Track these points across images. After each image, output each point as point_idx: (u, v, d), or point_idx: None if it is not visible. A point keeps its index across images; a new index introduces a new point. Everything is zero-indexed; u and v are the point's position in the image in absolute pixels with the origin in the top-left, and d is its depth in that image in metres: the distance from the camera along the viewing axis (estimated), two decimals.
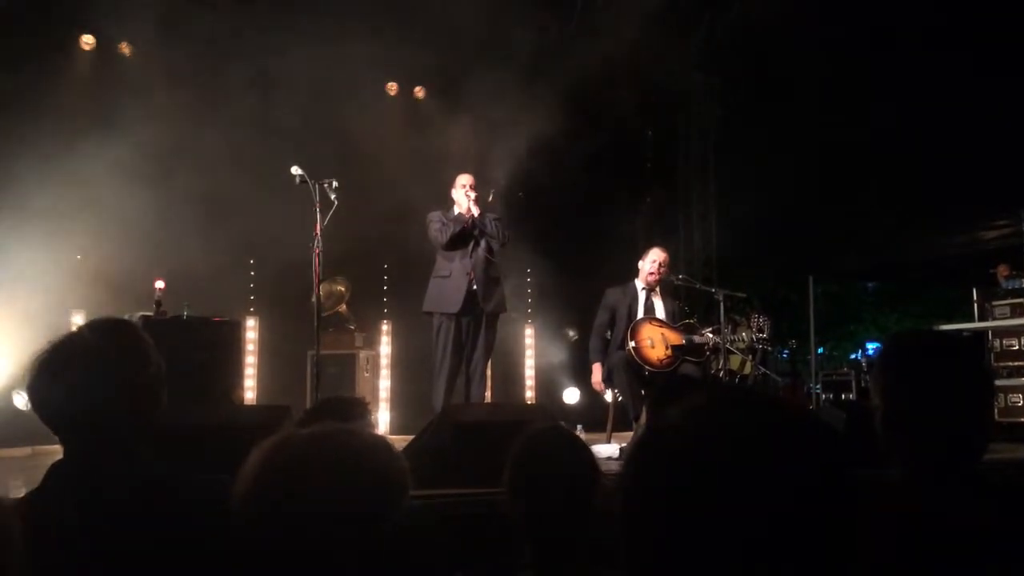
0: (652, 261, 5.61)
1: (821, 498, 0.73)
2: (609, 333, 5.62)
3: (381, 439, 1.32)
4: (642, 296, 5.60)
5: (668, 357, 5.33)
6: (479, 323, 5.48)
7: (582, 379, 7.33)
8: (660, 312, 5.58)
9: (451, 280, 5.42)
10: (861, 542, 0.75)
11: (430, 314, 5.53)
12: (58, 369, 1.43)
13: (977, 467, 1.44)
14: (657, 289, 5.64)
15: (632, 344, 5.28)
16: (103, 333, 1.51)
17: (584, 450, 1.86)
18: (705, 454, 0.73)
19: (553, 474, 1.73)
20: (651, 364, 5.28)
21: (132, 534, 1.35)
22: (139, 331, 1.58)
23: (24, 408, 5.53)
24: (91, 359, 1.45)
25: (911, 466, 1.42)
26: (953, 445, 1.40)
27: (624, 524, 0.77)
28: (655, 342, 5.35)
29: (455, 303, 5.38)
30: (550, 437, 1.83)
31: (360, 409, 2.27)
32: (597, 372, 5.50)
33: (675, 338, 5.41)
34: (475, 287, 5.39)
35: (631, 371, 5.23)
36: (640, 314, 5.52)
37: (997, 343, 7.25)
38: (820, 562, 0.72)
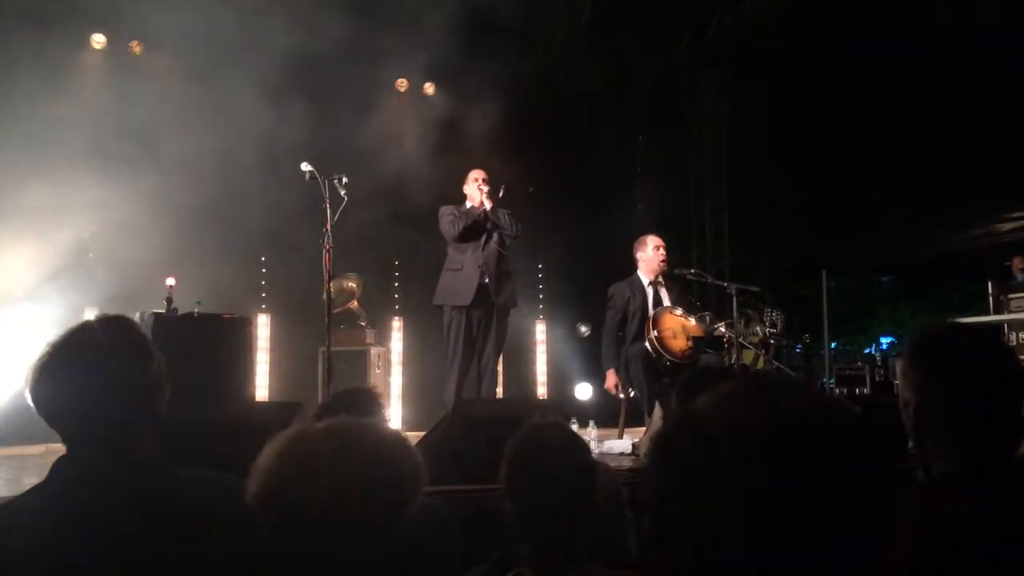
0: (655, 247, 5.58)
1: (863, 490, 0.71)
2: (620, 332, 5.57)
3: (396, 433, 1.31)
4: (650, 289, 5.56)
5: (689, 348, 5.29)
6: (490, 317, 5.46)
7: (594, 375, 7.30)
8: (667, 303, 5.54)
9: (463, 273, 5.41)
10: (900, 542, 0.73)
11: (441, 307, 5.52)
12: (57, 368, 1.43)
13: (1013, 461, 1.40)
14: (661, 279, 5.60)
15: (655, 333, 5.24)
16: (101, 330, 1.50)
17: (581, 446, 1.84)
18: (738, 443, 0.71)
19: (549, 470, 1.71)
20: (672, 355, 5.23)
21: (133, 532, 1.34)
22: (138, 327, 1.57)
23: None
24: (89, 357, 1.44)
25: (950, 462, 1.38)
26: (992, 439, 1.37)
27: (649, 515, 0.75)
28: (676, 332, 5.31)
29: (467, 296, 5.36)
30: (546, 433, 1.81)
31: (373, 401, 2.26)
32: (611, 377, 5.46)
33: (695, 329, 5.38)
34: (487, 280, 5.38)
35: (649, 363, 5.19)
36: (651, 308, 5.48)
37: (1013, 336, 7.20)
38: (857, 557, 0.70)
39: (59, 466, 1.44)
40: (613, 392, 5.49)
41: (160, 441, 1.51)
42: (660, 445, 0.79)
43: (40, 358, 1.44)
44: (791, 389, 0.77)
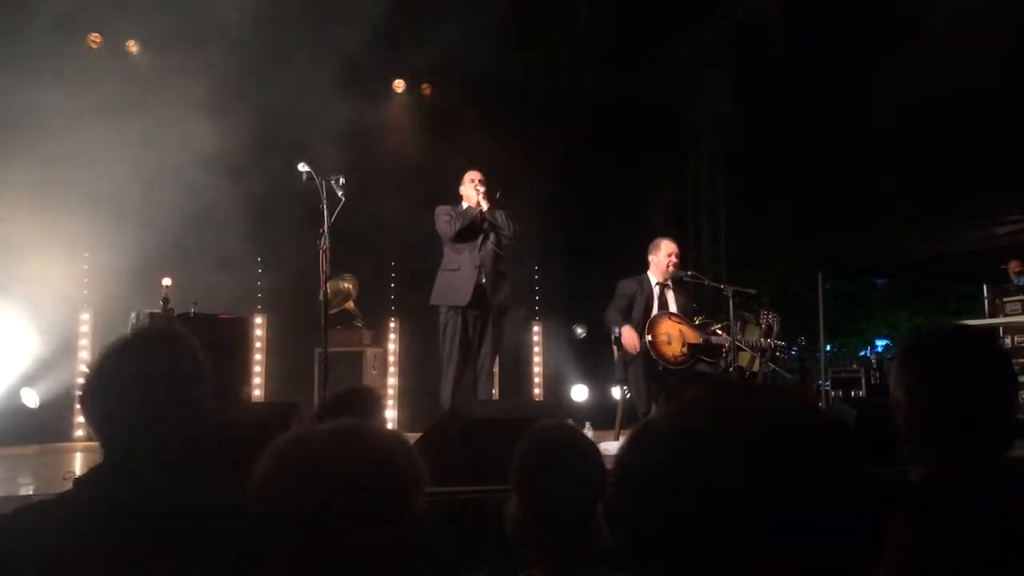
0: (667, 254, 5.58)
1: (824, 494, 0.72)
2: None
3: (399, 435, 1.30)
4: (656, 291, 5.56)
5: (683, 355, 5.28)
6: (486, 318, 5.45)
7: (590, 376, 7.31)
8: (673, 307, 5.54)
9: (460, 273, 5.40)
10: (894, 542, 0.74)
11: (437, 308, 5.51)
12: (97, 370, 1.44)
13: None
14: (670, 283, 5.61)
15: (648, 338, 5.23)
16: (145, 334, 1.52)
17: (591, 448, 1.84)
18: (690, 450, 0.73)
19: (560, 472, 1.70)
20: (666, 360, 5.23)
21: (159, 543, 1.34)
22: (179, 334, 1.55)
23: (33, 406, 5.54)
24: (126, 360, 1.45)
25: (942, 463, 1.39)
26: (983, 440, 1.37)
27: (616, 519, 0.77)
28: (672, 338, 5.31)
29: (464, 296, 5.35)
30: (557, 434, 1.81)
31: (373, 403, 2.26)
32: (628, 331, 5.24)
33: (693, 336, 5.36)
34: (484, 280, 5.37)
35: (647, 365, 5.18)
36: (655, 309, 5.48)
37: (1008, 339, 7.22)
38: (824, 554, 0.71)
39: (93, 475, 1.44)
40: (633, 346, 5.20)
41: (196, 447, 1.50)
42: (619, 452, 0.82)
43: (92, 368, 1.46)
44: (757, 396, 0.79)
